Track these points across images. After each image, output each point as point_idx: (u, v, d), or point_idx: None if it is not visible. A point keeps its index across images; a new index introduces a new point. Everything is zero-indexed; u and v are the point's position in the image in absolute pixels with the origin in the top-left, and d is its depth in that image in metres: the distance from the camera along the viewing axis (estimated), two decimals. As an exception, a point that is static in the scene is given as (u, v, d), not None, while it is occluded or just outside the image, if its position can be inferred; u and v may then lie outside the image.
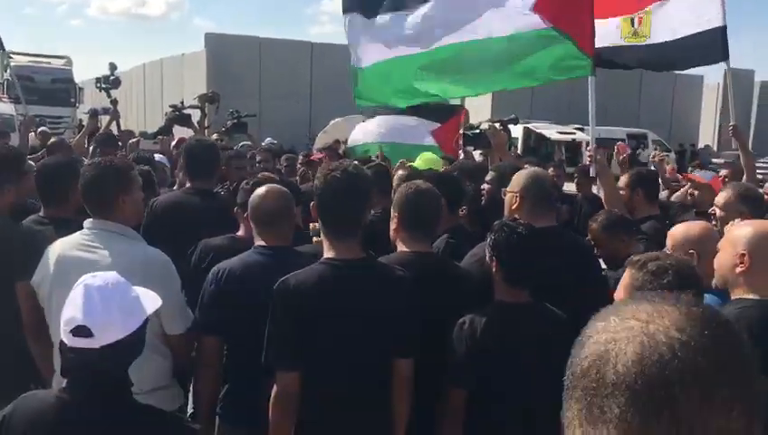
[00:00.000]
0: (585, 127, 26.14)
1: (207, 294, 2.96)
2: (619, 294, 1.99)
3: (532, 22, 5.06)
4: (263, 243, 3.00)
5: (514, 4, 5.14)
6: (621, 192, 4.66)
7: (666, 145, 27.43)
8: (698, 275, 1.94)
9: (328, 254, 2.60)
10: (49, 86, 26.42)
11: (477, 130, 6.79)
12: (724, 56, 5.72)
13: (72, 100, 27.25)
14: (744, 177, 5.37)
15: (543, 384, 2.70)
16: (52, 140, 7.00)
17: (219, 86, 27.04)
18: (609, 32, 5.98)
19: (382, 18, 6.06)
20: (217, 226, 3.51)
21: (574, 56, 4.98)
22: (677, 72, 36.04)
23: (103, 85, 8.27)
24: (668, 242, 3.13)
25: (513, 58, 5.27)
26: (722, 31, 5.64)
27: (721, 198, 3.73)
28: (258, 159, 6.71)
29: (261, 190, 3.07)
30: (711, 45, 5.69)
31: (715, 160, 30.29)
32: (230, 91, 26.74)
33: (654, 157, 12.01)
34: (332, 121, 17.06)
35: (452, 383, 2.77)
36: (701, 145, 35.43)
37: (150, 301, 1.96)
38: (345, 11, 6.44)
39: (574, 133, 23.25)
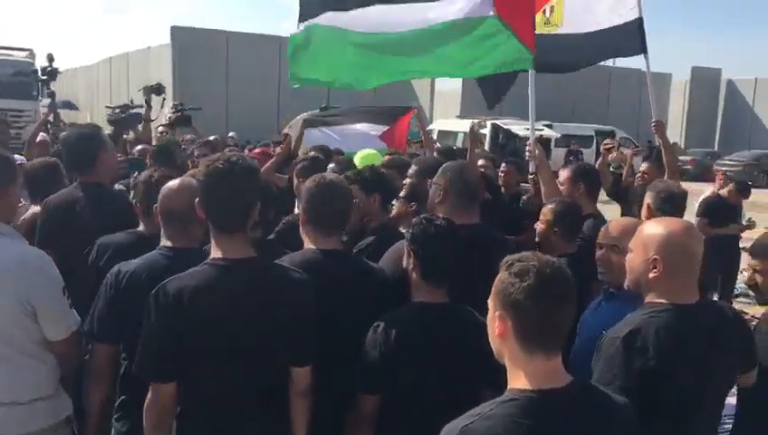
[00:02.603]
0: (554, 123, 26.26)
1: (104, 298, 2.71)
2: (492, 298, 1.81)
3: (475, 7, 4.89)
4: (168, 243, 2.77)
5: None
6: (561, 187, 4.49)
7: (634, 142, 27.55)
8: (566, 277, 1.76)
9: (215, 253, 2.37)
10: (10, 79, 25.71)
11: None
12: (642, 49, 5.55)
13: (35, 93, 26.53)
14: (666, 175, 5.23)
15: (459, 387, 2.54)
16: None
17: (185, 79, 26.81)
18: None
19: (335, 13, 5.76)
20: (111, 222, 3.27)
21: (515, 49, 4.82)
22: (645, 69, 36.36)
23: (41, 77, 7.92)
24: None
25: (454, 46, 5.09)
26: (639, 23, 5.48)
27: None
28: (196, 153, 6.44)
29: (173, 185, 2.82)
30: (629, 38, 5.54)
31: (682, 158, 30.65)
32: (196, 85, 26.48)
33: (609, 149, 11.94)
34: (298, 117, 16.84)
35: (363, 388, 2.58)
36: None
37: None
38: (302, 20, 6.03)
39: (542, 130, 23.18)
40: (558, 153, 23.51)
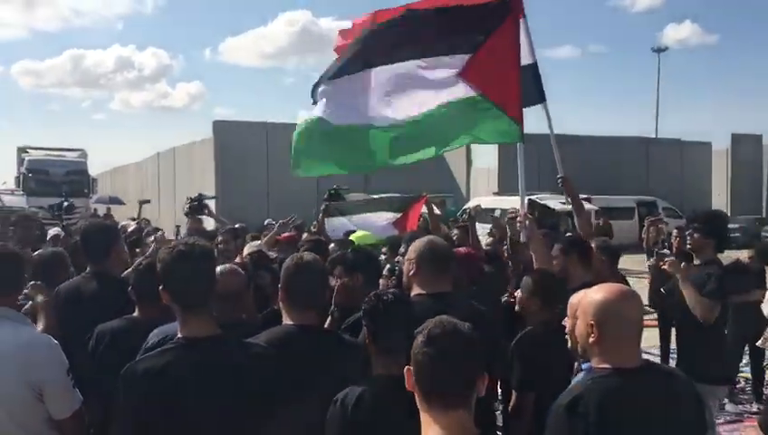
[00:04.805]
0: (592, 196, 26.11)
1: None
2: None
3: (460, 90, 5.10)
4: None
5: (442, 76, 5.19)
6: (555, 259, 4.59)
7: (677, 212, 27.17)
8: (457, 336, 1.89)
9: (181, 331, 2.54)
10: (63, 178, 27.32)
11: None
12: (540, 98, 5.34)
13: (86, 190, 28.12)
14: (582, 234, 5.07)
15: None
16: None
17: (227, 170, 27.73)
18: None
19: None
20: (118, 310, 3.48)
21: (503, 122, 5.00)
22: (684, 139, 36.21)
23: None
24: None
25: (447, 126, 5.29)
26: (532, 71, 5.26)
27: None
28: (219, 239, 6.72)
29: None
30: (528, 85, 5.25)
31: (730, 226, 29.89)
32: (238, 174, 27.38)
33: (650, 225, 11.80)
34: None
35: None
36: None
37: None
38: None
39: (579, 203, 23.13)
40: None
